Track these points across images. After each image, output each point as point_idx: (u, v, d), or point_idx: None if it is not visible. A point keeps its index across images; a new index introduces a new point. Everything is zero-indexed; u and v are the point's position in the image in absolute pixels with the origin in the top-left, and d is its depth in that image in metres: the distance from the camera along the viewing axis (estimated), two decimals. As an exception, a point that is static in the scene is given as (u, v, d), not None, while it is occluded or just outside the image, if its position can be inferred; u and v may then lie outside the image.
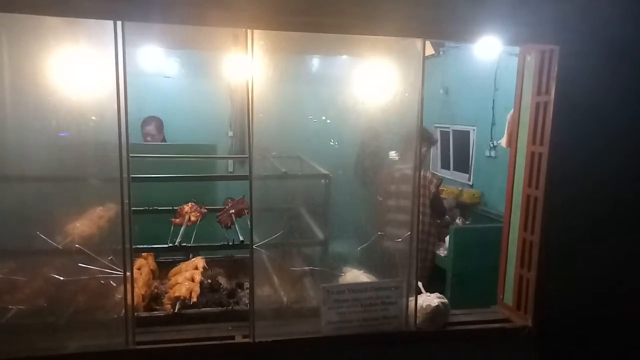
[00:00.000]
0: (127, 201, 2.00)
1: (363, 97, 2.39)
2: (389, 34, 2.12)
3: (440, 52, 2.25)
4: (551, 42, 2.36)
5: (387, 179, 2.94)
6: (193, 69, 5.48)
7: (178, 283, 2.55)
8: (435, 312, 2.39)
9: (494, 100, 4.60)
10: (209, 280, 3.19)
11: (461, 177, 5.31)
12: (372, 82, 2.43)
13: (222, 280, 3.23)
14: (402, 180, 2.77)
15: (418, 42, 2.25)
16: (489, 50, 2.57)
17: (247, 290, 3.13)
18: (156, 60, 3.23)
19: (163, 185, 3.08)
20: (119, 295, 2.10)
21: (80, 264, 2.09)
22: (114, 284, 2.09)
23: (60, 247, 2.11)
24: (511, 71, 4.17)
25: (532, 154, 2.53)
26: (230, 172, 5.77)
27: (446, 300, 2.46)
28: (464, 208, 4.92)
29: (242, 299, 2.94)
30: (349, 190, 2.56)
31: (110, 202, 2.19)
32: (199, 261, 3.03)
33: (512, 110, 2.70)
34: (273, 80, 2.13)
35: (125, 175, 1.97)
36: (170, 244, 2.47)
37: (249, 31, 1.98)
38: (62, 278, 2.07)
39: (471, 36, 2.25)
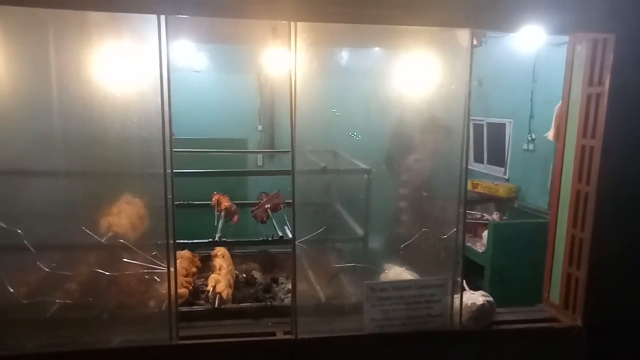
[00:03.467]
0: (171, 196, 2.00)
1: (404, 89, 2.33)
2: (434, 24, 2.06)
3: (482, 43, 2.19)
4: (605, 31, 2.26)
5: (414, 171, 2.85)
6: (222, 63, 5.48)
7: (217, 280, 2.54)
8: (481, 311, 2.34)
9: (532, 92, 4.46)
10: (244, 275, 3.20)
11: (496, 170, 5.19)
12: (414, 75, 2.37)
13: (256, 275, 3.23)
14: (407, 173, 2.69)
15: (461, 33, 2.18)
16: (533, 40, 2.47)
17: (282, 286, 3.14)
18: (187, 54, 3.24)
19: (192, 180, 3.11)
20: (162, 290, 2.11)
21: (124, 259, 2.10)
22: (158, 279, 2.10)
23: (104, 241, 2.12)
24: (552, 62, 4.07)
25: (583, 147, 2.43)
26: (260, 167, 5.79)
27: (491, 299, 2.40)
28: (499, 203, 4.81)
29: (278, 294, 2.93)
30: (389, 185, 2.51)
31: (150, 197, 2.20)
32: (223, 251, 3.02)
33: (559, 103, 2.60)
34: (315, 74, 2.09)
35: (168, 170, 1.97)
36: (210, 239, 2.46)
37: (292, 23, 1.94)
38: (106, 273, 2.09)
39: (518, 25, 2.18)
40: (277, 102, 5.75)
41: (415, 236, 2.31)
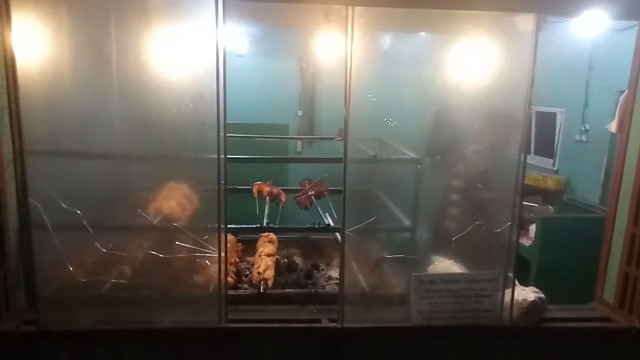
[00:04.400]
0: (223, 181, 2.02)
1: (461, 77, 2.26)
2: (498, 9, 1.98)
3: (542, 28, 2.08)
4: (680, 15, 2.12)
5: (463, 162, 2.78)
6: (264, 47, 5.48)
7: (263, 264, 2.57)
8: (532, 307, 2.28)
9: (588, 80, 4.26)
10: (286, 260, 3.23)
11: (544, 162, 5.01)
12: (471, 62, 2.29)
13: (297, 261, 3.26)
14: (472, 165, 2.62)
15: (520, 18, 2.09)
16: (594, 25, 2.34)
17: (323, 272, 3.15)
18: (230, 39, 3.24)
19: (231, 165, 3.13)
20: (211, 274, 2.15)
21: (176, 242, 2.14)
22: (209, 263, 2.14)
23: (157, 224, 2.17)
24: (611, 49, 3.87)
25: (649, 140, 2.31)
26: (299, 152, 5.80)
27: (543, 295, 2.34)
28: (546, 195, 4.65)
29: (319, 281, 2.95)
30: (440, 176, 2.46)
31: (201, 181, 2.23)
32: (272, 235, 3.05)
33: (625, 92, 2.47)
34: (369, 60, 2.05)
35: (222, 155, 1.98)
36: (258, 225, 2.49)
37: (349, 8, 1.90)
38: (159, 255, 2.14)
39: (586, 9, 2.07)
40: (318, 88, 5.72)
41: (468, 229, 2.25)
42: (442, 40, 2.34)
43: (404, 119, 2.36)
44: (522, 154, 2.14)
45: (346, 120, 2.04)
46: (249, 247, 3.19)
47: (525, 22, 2.12)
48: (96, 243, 2.12)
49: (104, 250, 2.12)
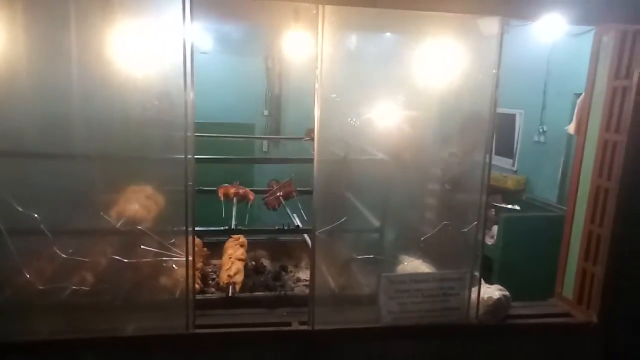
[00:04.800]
0: (191, 182, 1.97)
1: (428, 78, 2.29)
2: (465, 12, 2.02)
3: (505, 32, 2.14)
4: (635, 22, 2.22)
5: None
6: (228, 45, 5.40)
7: (234, 267, 2.52)
8: (497, 305, 2.34)
9: (545, 83, 4.43)
10: (253, 262, 3.19)
11: (504, 162, 5.16)
12: (437, 63, 2.32)
13: (265, 263, 3.22)
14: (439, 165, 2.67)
15: (484, 21, 2.14)
16: (552, 30, 2.42)
17: (292, 274, 3.13)
18: (194, 35, 3.17)
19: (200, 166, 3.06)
20: (179, 278, 2.09)
21: (141, 246, 2.07)
22: (175, 267, 2.08)
23: (120, 227, 2.09)
24: (567, 53, 4.03)
25: (605, 142, 2.41)
26: (265, 152, 5.74)
27: (508, 293, 2.40)
28: (506, 194, 4.80)
29: (287, 283, 2.93)
30: (408, 177, 2.48)
31: (168, 182, 2.16)
32: (242, 239, 3.00)
33: (582, 95, 2.57)
34: (339, 59, 2.05)
35: (189, 155, 1.93)
36: (226, 227, 2.44)
37: (320, 6, 1.89)
38: (123, 260, 2.06)
39: (547, 13, 2.14)
40: (284, 87, 5.68)
41: (436, 229, 2.29)
42: (411, 41, 2.35)
43: (373, 119, 2.37)
44: (488, 155, 2.19)
45: (316, 119, 2.03)
46: (215, 250, 3.14)
47: (490, 24, 2.17)
48: (55, 248, 2.02)
49: (64, 255, 2.02)
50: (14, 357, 2.04)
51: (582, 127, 2.57)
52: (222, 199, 2.88)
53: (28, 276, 1.97)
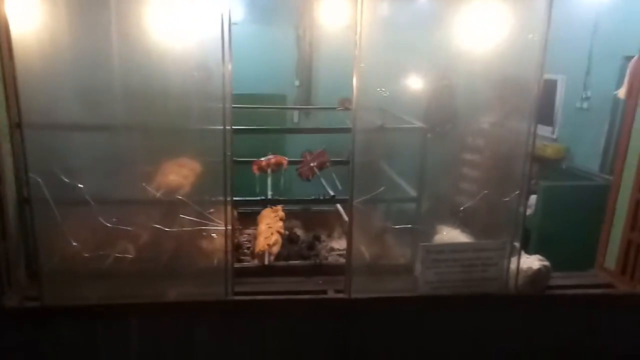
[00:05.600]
0: (229, 153, 1.98)
1: (471, 42, 2.21)
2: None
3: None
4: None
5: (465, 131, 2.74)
6: (258, 15, 5.33)
7: (271, 235, 2.56)
8: (537, 275, 2.30)
9: (591, 46, 4.20)
10: (287, 232, 3.23)
11: (543, 130, 4.97)
12: (480, 26, 2.23)
13: (299, 232, 3.25)
14: (479, 134, 2.60)
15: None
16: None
17: (325, 244, 3.15)
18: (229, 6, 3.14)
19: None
20: (218, 247, 2.14)
21: (181, 215, 2.12)
22: (214, 235, 2.12)
23: (161, 197, 2.14)
24: (618, 14, 3.80)
25: (658, 107, 2.29)
26: (296, 123, 5.71)
27: (548, 263, 2.36)
28: (546, 164, 4.65)
29: (321, 252, 2.95)
30: (447, 146, 2.44)
31: (206, 153, 2.19)
32: (281, 212, 3.03)
33: (635, 57, 2.43)
34: (377, 27, 1.99)
35: (227, 126, 1.94)
36: (262, 197, 2.46)
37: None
38: (164, 229, 2.11)
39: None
40: (315, 57, 5.59)
41: (476, 199, 2.25)
42: (453, 5, 2.26)
43: (411, 87, 2.31)
44: (533, 124, 2.12)
45: (355, 87, 1.99)
46: (247, 220, 3.18)
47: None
48: (99, 217, 2.09)
49: (108, 224, 2.09)
50: (62, 319, 2.14)
51: (634, 91, 2.44)
52: (257, 173, 2.91)
53: (74, 244, 2.05)
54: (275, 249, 2.50)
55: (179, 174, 2.31)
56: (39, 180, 1.96)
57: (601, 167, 4.17)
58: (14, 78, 1.82)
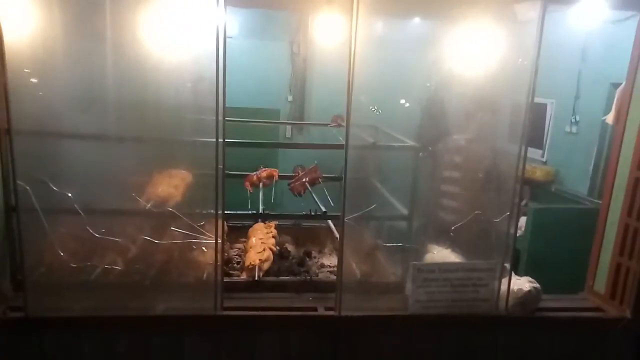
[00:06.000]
0: (221, 166, 1.97)
1: (464, 64, 2.25)
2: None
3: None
4: (684, 8, 2.13)
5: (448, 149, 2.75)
6: (254, 29, 5.38)
7: (263, 250, 2.54)
8: (527, 297, 2.30)
9: (580, 72, 4.29)
10: (278, 247, 3.21)
11: (533, 152, 5.03)
12: (473, 48, 2.27)
13: (290, 248, 3.24)
14: (470, 154, 2.63)
15: (520, 7, 2.08)
16: (589, 16, 2.34)
17: (315, 260, 3.14)
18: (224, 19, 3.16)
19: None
20: (207, 260, 2.11)
21: (171, 228, 2.10)
22: (205, 249, 2.10)
23: (151, 208, 2.12)
24: (604, 41, 3.89)
25: (647, 133, 2.33)
26: (289, 138, 5.73)
27: (538, 285, 2.36)
28: (535, 186, 4.69)
29: (312, 268, 2.94)
30: (439, 165, 2.45)
31: (198, 166, 2.18)
32: (274, 230, 3.01)
33: (623, 84, 2.49)
34: (373, 44, 2.02)
35: (220, 139, 1.93)
36: (254, 211, 2.45)
37: (356, -11, 1.86)
38: (153, 240, 2.09)
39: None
40: (308, 73, 5.64)
41: (467, 219, 2.26)
42: (444, 26, 2.31)
43: (404, 105, 2.34)
44: (523, 146, 2.15)
45: (349, 105, 2.01)
46: (239, 233, 3.16)
47: (526, 9, 2.11)
48: (87, 227, 2.06)
49: (96, 235, 2.06)
50: (47, 331, 2.09)
51: (621, 117, 2.49)
52: (250, 189, 2.91)
53: (61, 254, 2.01)
54: (266, 266, 2.48)
55: (169, 185, 2.30)
56: (27, 188, 1.93)
57: (590, 191, 4.22)
58: (4, 83, 1.81)
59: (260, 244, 2.61)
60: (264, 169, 3.08)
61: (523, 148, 2.17)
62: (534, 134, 5.05)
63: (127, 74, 1.97)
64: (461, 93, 2.32)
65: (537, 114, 4.98)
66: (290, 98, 5.71)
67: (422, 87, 2.41)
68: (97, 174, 2.08)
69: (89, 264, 2.10)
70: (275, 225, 3.04)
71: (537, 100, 5.02)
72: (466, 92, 2.31)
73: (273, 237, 2.84)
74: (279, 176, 2.97)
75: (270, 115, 4.64)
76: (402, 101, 2.39)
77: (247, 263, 2.50)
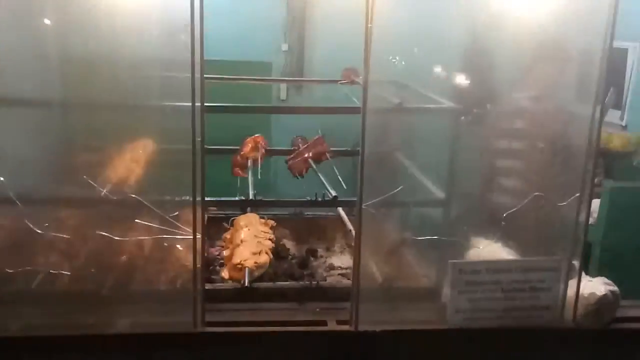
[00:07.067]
0: (200, 139, 1.99)
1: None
2: None
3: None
4: None
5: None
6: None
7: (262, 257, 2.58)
8: (602, 304, 2.33)
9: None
10: (273, 245, 3.24)
11: (608, 114, 5.03)
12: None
13: (289, 245, 3.27)
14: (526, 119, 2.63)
15: None
16: None
17: (322, 260, 3.18)
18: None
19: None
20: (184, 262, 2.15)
21: (136, 220, 2.13)
22: (180, 247, 2.13)
23: (107, 194, 2.14)
24: None
25: None
26: (283, 100, 5.74)
27: (616, 288, 2.39)
28: (611, 158, 4.69)
29: (318, 271, 2.98)
30: (485, 134, 2.46)
31: (170, 138, 2.19)
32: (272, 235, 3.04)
33: None
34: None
35: (198, 103, 1.94)
36: (242, 197, 2.48)
37: None
38: (113, 237, 2.12)
39: None
40: (309, 13, 5.61)
41: (522, 203, 2.27)
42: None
43: (440, 54, 2.33)
44: (599, 106, 2.14)
45: (366, 54, 2.00)
46: (223, 227, 3.19)
47: None
48: (26, 221, 2.08)
49: (38, 230, 2.09)
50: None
51: None
52: (242, 174, 2.93)
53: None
54: (259, 273, 2.51)
55: (127, 159, 2.31)
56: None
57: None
58: None
59: (257, 243, 2.63)
60: (245, 142, 3.10)
61: (598, 109, 2.16)
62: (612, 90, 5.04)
63: (75, 21, 1.96)
64: (515, 39, 2.30)
65: (615, 62, 4.96)
66: (285, 47, 5.71)
67: (465, 29, 2.39)
68: (38, 152, 2.10)
69: (28, 268, 2.12)
70: (272, 225, 3.06)
71: (616, 44, 5.02)
72: (522, 37, 2.29)
73: (270, 239, 2.86)
74: (266, 150, 2.98)
75: (260, 69, 4.64)
76: (437, 49, 2.37)
77: (235, 261, 2.53)
